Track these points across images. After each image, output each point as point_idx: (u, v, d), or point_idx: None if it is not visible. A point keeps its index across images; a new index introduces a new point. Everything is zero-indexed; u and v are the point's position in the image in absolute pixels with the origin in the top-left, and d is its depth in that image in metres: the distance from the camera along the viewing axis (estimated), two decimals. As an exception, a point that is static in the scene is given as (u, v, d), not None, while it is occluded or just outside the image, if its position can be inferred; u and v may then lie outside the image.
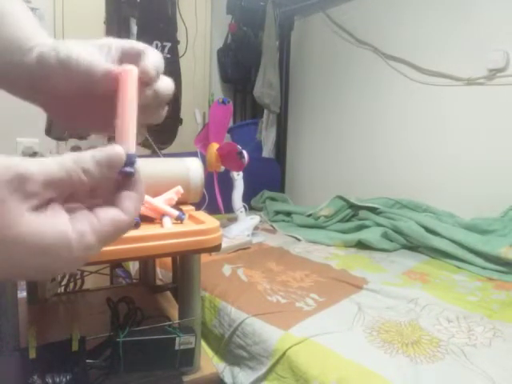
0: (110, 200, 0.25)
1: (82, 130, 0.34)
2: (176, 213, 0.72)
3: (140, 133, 0.32)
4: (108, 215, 0.24)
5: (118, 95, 0.27)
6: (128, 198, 0.25)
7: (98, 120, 0.32)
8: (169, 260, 1.17)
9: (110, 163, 0.24)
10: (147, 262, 1.10)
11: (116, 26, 1.72)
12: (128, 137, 0.26)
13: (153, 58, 0.30)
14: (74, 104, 0.31)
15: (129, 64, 0.29)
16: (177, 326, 0.74)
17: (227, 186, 1.60)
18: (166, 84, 0.31)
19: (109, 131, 0.29)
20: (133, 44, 0.31)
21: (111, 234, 0.24)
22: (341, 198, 1.80)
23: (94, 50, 0.29)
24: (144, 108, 0.30)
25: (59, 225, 0.22)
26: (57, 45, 0.30)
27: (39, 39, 0.32)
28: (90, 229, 0.23)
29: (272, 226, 1.85)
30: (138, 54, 0.30)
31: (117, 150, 0.24)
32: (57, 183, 0.22)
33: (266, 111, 2.33)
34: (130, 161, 0.24)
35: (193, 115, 2.39)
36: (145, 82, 0.29)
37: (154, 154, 1.55)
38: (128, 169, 0.24)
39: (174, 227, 0.69)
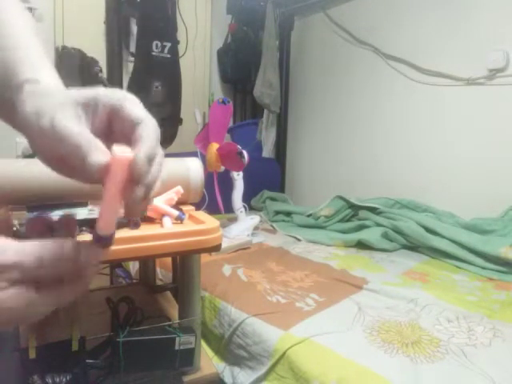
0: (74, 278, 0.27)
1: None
2: (176, 213, 0.72)
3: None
4: (73, 290, 0.26)
5: (106, 180, 0.27)
6: (92, 271, 0.27)
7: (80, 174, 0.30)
8: (169, 260, 1.17)
9: (88, 261, 0.26)
10: (147, 262, 1.10)
11: (116, 25, 1.72)
12: (111, 222, 0.28)
13: (147, 143, 0.27)
14: (59, 159, 0.29)
15: (120, 147, 0.27)
16: (177, 326, 0.74)
17: (227, 186, 1.60)
18: (155, 172, 0.29)
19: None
20: (126, 109, 0.28)
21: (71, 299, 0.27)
22: (341, 198, 1.80)
23: (78, 114, 0.27)
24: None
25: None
26: (40, 104, 0.28)
27: (28, 73, 0.30)
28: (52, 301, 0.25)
29: (272, 225, 1.85)
30: (132, 128, 0.28)
31: (98, 252, 0.27)
32: (28, 273, 0.24)
33: (265, 111, 2.33)
34: (109, 238, 0.28)
35: (193, 115, 2.39)
36: (134, 179, 0.27)
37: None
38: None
39: (174, 227, 0.69)
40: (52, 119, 0.27)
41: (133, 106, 0.29)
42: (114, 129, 0.29)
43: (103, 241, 0.27)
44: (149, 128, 0.28)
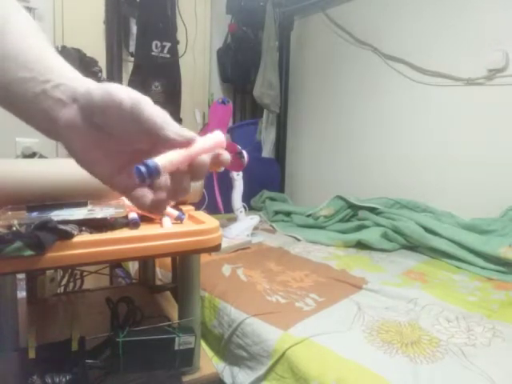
0: None
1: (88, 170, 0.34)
2: (176, 213, 0.72)
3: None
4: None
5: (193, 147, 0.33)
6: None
7: (110, 169, 0.31)
8: (169, 260, 1.17)
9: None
10: (147, 262, 1.10)
11: (116, 26, 1.72)
12: (165, 167, 0.30)
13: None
14: (94, 149, 0.31)
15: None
16: (176, 326, 0.74)
17: (227, 186, 1.60)
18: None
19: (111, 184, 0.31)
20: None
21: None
22: (340, 198, 1.80)
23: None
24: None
25: None
26: (99, 92, 0.29)
27: (64, 74, 0.31)
28: None
29: (272, 225, 1.85)
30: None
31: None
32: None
33: (265, 111, 2.33)
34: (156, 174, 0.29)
35: (193, 115, 2.39)
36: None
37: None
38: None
39: (173, 227, 0.69)
40: (137, 101, 0.29)
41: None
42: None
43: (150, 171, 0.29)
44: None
